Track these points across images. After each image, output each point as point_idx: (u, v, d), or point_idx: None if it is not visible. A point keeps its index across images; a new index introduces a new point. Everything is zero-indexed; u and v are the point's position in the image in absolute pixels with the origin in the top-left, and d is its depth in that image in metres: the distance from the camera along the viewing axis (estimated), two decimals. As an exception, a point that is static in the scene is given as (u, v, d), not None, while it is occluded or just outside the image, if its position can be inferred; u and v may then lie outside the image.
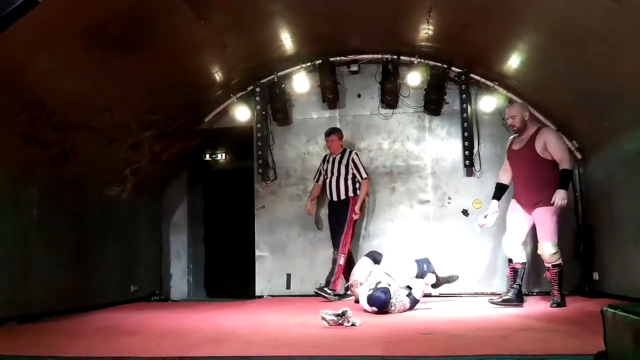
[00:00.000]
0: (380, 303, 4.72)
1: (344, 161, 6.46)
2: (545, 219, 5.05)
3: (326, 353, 2.92)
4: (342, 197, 6.40)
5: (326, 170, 6.52)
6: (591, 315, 3.81)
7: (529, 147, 5.17)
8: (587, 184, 6.27)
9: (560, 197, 4.91)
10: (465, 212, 6.61)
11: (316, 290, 6.08)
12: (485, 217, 5.46)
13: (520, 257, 5.26)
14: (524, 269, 5.31)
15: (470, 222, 6.35)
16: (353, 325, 3.95)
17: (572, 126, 6.20)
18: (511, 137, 5.56)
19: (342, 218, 6.36)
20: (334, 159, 6.50)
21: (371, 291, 4.81)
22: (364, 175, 6.48)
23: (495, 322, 4.18)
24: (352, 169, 6.43)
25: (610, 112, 5.11)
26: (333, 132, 6.53)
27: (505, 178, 5.55)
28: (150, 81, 5.54)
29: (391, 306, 4.78)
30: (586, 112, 5.65)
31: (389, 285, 4.87)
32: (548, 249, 5.01)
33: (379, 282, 4.90)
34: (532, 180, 5.14)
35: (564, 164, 5.02)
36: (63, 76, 4.65)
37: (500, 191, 5.56)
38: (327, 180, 6.48)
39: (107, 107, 5.41)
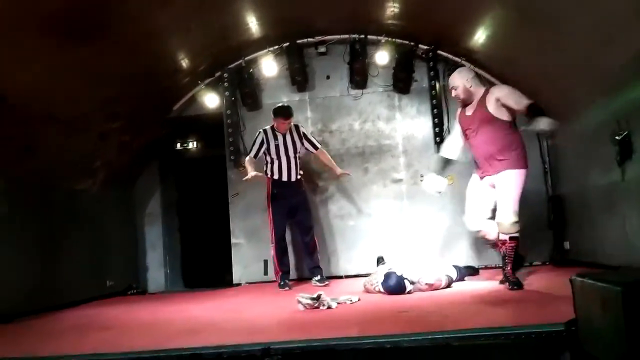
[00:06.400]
0: (392, 287, 4.65)
1: (295, 137, 6.00)
2: (509, 184, 4.46)
3: (302, 336, 2.91)
4: (298, 176, 6.00)
5: (276, 148, 5.91)
6: (562, 285, 3.87)
7: (481, 110, 4.59)
8: (555, 156, 6.36)
9: (543, 122, 4.10)
10: (437, 189, 6.64)
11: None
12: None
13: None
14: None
15: (443, 199, 6.42)
16: (329, 308, 3.96)
17: (540, 98, 6.23)
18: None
19: (301, 199, 6.02)
20: (283, 136, 5.95)
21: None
22: (319, 145, 6.20)
23: (469, 297, 4.23)
24: (305, 142, 6.04)
25: (576, 84, 5.16)
26: (292, 115, 5.98)
27: (452, 152, 4.95)
28: (114, 70, 5.38)
29: (406, 287, 4.64)
30: (552, 84, 5.69)
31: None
32: (509, 217, 4.43)
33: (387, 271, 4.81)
34: (491, 143, 4.54)
35: (526, 102, 4.37)
36: (20, 67, 4.48)
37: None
38: (276, 160, 5.92)
39: (70, 98, 5.25)
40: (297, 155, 6.00)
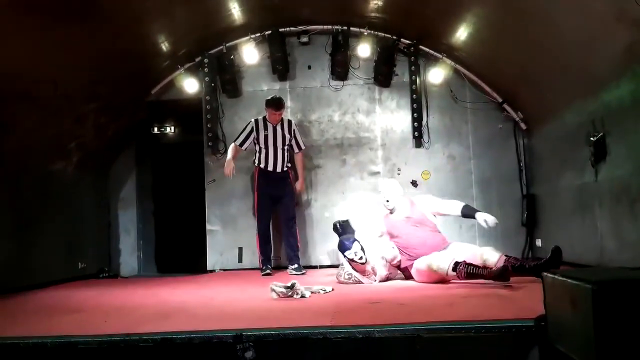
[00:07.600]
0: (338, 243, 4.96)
1: (286, 130, 6.14)
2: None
3: (274, 325, 2.91)
4: (285, 168, 6.13)
5: (265, 138, 6.07)
6: (533, 281, 3.95)
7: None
8: (531, 155, 6.44)
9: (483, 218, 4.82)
10: (414, 183, 6.71)
11: None
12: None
13: None
14: None
15: (420, 192, 6.46)
16: (302, 297, 3.96)
17: (518, 98, 6.33)
18: None
19: (288, 190, 6.15)
20: (274, 127, 6.10)
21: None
22: (303, 146, 6.35)
23: (441, 290, 4.26)
24: (293, 138, 6.20)
25: (554, 85, 5.22)
26: (283, 106, 6.16)
27: None
28: (94, 50, 5.29)
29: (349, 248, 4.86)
30: (531, 84, 5.77)
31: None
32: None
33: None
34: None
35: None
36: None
37: None
38: (264, 149, 6.06)
39: (49, 78, 5.14)
40: (286, 148, 6.12)
